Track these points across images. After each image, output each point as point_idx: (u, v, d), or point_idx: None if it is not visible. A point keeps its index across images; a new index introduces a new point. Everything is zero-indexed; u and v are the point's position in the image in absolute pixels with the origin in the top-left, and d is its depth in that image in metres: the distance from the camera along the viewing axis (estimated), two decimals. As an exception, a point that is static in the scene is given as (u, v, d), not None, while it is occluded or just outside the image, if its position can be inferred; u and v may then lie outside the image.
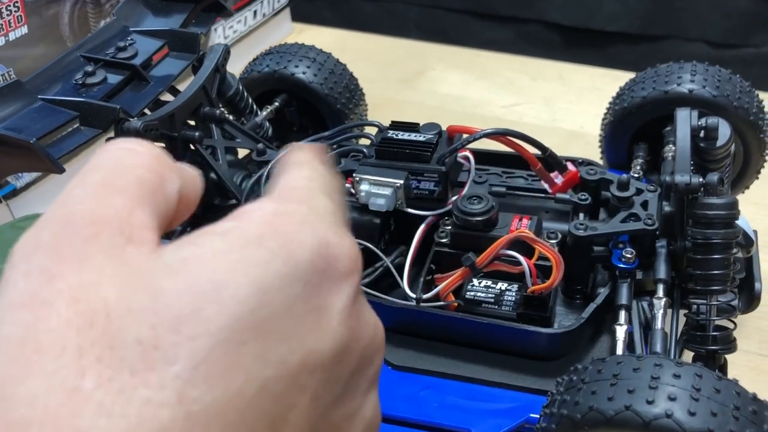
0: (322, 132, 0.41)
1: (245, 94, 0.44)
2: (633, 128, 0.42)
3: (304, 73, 0.46)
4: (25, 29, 0.53)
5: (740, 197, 0.44)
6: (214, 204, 0.40)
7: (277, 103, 0.46)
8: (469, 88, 0.75)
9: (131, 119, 0.35)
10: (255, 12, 0.78)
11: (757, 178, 0.43)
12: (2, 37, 0.52)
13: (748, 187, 0.43)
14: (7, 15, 0.51)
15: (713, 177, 0.30)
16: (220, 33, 0.73)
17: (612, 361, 0.26)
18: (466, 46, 0.87)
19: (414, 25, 1.08)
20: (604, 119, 0.43)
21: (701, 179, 0.30)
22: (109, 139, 0.36)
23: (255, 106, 0.45)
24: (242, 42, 0.75)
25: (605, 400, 0.25)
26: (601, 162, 0.44)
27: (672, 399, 0.24)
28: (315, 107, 0.47)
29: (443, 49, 0.84)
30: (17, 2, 0.52)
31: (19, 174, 0.55)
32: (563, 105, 0.68)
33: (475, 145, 0.36)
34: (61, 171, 0.34)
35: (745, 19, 0.91)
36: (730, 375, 0.33)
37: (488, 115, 0.70)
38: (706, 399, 0.24)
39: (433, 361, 0.33)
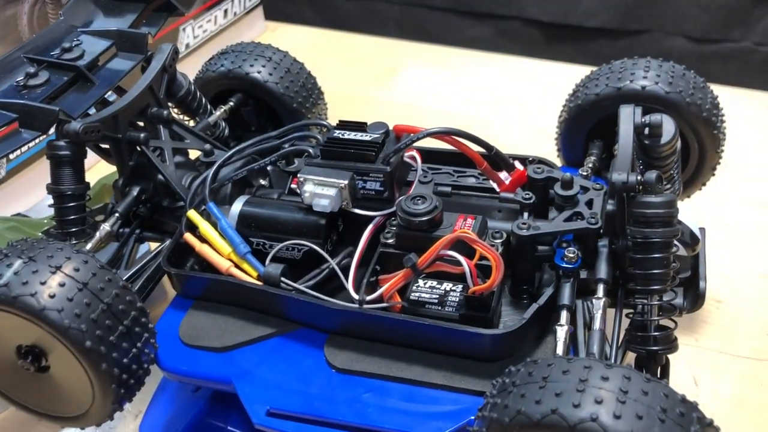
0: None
1: (198, 93, 0.43)
2: (588, 125, 0.41)
3: (259, 72, 0.45)
4: (-19, 30, 0.52)
5: (698, 194, 0.44)
6: (163, 206, 0.39)
7: (231, 103, 0.45)
8: (442, 86, 0.75)
9: (72, 121, 0.35)
10: (225, 11, 0.77)
11: (713, 174, 0.42)
12: (-42, 39, 0.51)
13: (704, 184, 0.43)
14: (-37, 16, 0.51)
15: (651, 175, 0.29)
16: (189, 33, 0.72)
17: (543, 363, 0.26)
18: (447, 44, 0.87)
19: (395, 23, 1.08)
20: (560, 117, 0.43)
21: (640, 177, 0.29)
22: (50, 141, 0.36)
23: (209, 106, 0.44)
24: (213, 41, 0.75)
25: (533, 403, 0.24)
26: (558, 160, 0.44)
27: (598, 402, 0.23)
28: (271, 106, 0.46)
29: (419, 47, 0.84)
30: (-27, 2, 0.51)
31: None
32: (536, 103, 0.67)
33: (431, 144, 0.36)
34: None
35: (724, 13, 0.91)
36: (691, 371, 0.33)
37: (459, 112, 0.69)
38: (633, 401, 0.23)
39: (375, 364, 0.32)
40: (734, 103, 0.65)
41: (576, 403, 0.24)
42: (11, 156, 0.57)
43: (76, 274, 0.31)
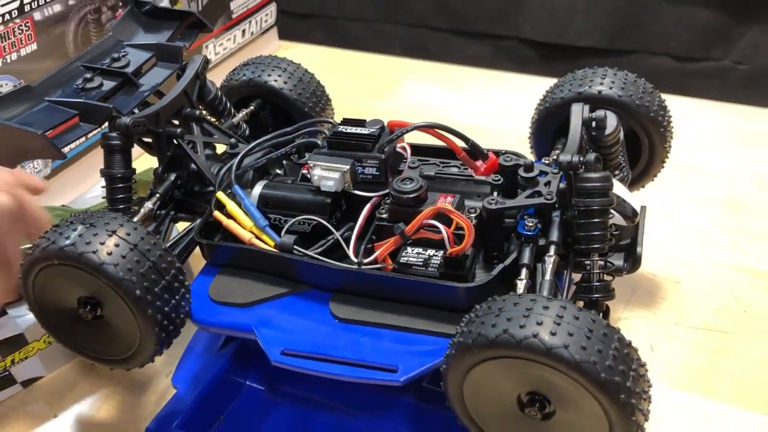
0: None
1: (224, 98, 0.51)
2: (554, 125, 0.48)
3: (275, 80, 0.53)
4: (34, 46, 0.60)
5: (650, 184, 0.51)
6: (194, 190, 0.46)
7: (252, 107, 0.53)
8: (440, 99, 0.82)
9: (122, 117, 0.42)
10: (244, 31, 0.85)
11: (663, 167, 0.49)
12: (15, 53, 0.59)
13: (656, 176, 0.50)
14: (19, 33, 0.59)
15: (591, 156, 0.36)
16: (211, 49, 0.80)
17: (500, 300, 0.33)
18: (448, 62, 0.94)
19: (399, 43, 1.15)
20: (532, 118, 0.50)
21: (582, 158, 0.36)
22: (104, 133, 0.43)
23: (233, 109, 0.52)
24: (232, 57, 0.83)
25: (490, 327, 0.31)
26: (531, 156, 0.51)
27: (539, 324, 0.30)
28: (286, 111, 0.54)
29: (421, 64, 0.92)
30: (28, 23, 0.59)
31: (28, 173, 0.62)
32: (526, 112, 0.74)
33: (420, 140, 0.43)
34: (63, 157, 0.41)
35: (706, 33, 0.97)
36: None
37: (454, 121, 0.76)
38: (566, 324, 0.30)
39: (371, 315, 0.39)
40: (711, 113, 0.73)
41: (522, 325, 0.30)
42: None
43: (128, 237, 0.38)
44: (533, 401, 0.32)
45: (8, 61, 0.58)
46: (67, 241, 0.37)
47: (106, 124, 0.43)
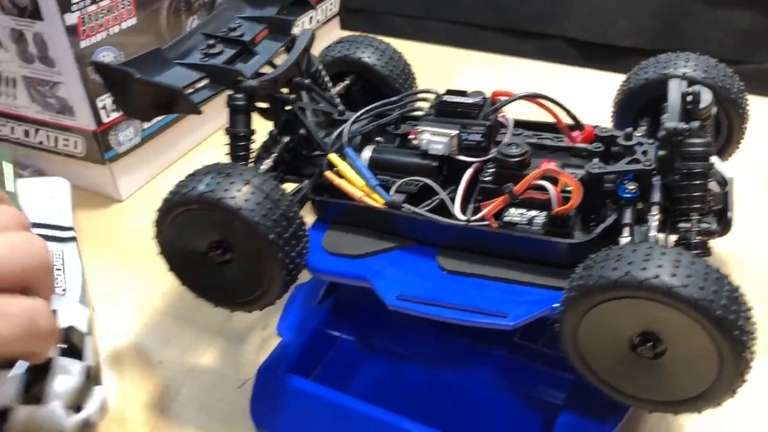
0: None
1: (323, 72, 0.54)
2: (637, 105, 0.51)
3: (369, 57, 0.56)
4: (134, 20, 0.64)
5: (726, 163, 0.54)
6: (302, 154, 0.50)
7: (347, 81, 0.56)
8: (497, 87, 0.85)
9: (248, 80, 0.46)
10: (311, 18, 0.89)
11: (738, 147, 0.52)
12: (117, 26, 0.63)
13: (731, 155, 0.53)
14: (121, 8, 0.62)
15: (694, 123, 0.39)
16: (282, 34, 0.84)
17: (616, 248, 0.36)
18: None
19: (444, 40, 1.19)
20: (615, 98, 0.53)
21: (686, 125, 0.39)
22: (230, 95, 0.46)
23: (330, 83, 0.55)
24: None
25: (611, 270, 0.34)
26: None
27: (659, 267, 0.33)
28: (377, 87, 0.57)
29: (473, 55, 0.95)
30: (130, -2, 0.63)
31: (121, 141, 0.66)
32: (571, 100, 0.78)
33: (514, 115, 0.46)
34: (199, 112, 0.45)
35: (748, 37, 1.00)
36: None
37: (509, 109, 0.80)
38: (684, 267, 0.33)
39: (477, 268, 0.42)
40: (757, 107, 0.76)
41: (643, 268, 0.33)
42: (145, 126, 0.68)
43: (261, 186, 0.41)
44: (646, 340, 0.35)
45: (110, 33, 0.62)
46: (207, 188, 0.41)
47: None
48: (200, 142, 0.76)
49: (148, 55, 0.46)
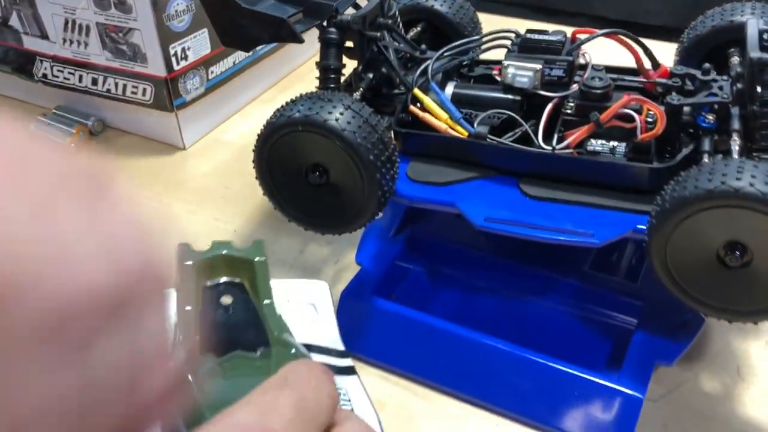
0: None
1: (398, 17, 0.56)
2: (702, 51, 0.53)
3: (441, 5, 0.58)
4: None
5: None
6: (382, 92, 0.52)
7: (419, 28, 0.58)
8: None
9: (342, 15, 0.48)
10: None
11: None
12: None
13: None
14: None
15: None
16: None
17: (708, 163, 0.38)
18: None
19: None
20: (678, 47, 0.55)
21: (766, 55, 0.42)
22: (323, 28, 0.49)
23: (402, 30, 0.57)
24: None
25: (706, 181, 0.37)
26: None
27: (753, 177, 0.36)
28: (447, 35, 0.59)
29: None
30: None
31: (189, 90, 0.68)
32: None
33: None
34: (302, 41, 0.47)
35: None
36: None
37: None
38: None
39: (561, 194, 0.45)
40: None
41: (738, 177, 0.36)
42: (210, 76, 0.70)
43: (361, 111, 0.43)
44: (734, 249, 0.38)
45: (184, -19, 0.64)
46: (312, 111, 0.43)
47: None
48: (256, 97, 0.78)
49: None
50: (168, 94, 0.67)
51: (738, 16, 0.52)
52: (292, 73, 0.81)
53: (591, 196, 0.45)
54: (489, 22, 0.92)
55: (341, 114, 0.43)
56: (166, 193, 0.66)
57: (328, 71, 0.49)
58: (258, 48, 0.74)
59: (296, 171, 0.46)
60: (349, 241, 0.56)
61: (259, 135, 0.46)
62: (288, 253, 0.58)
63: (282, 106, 0.45)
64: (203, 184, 0.67)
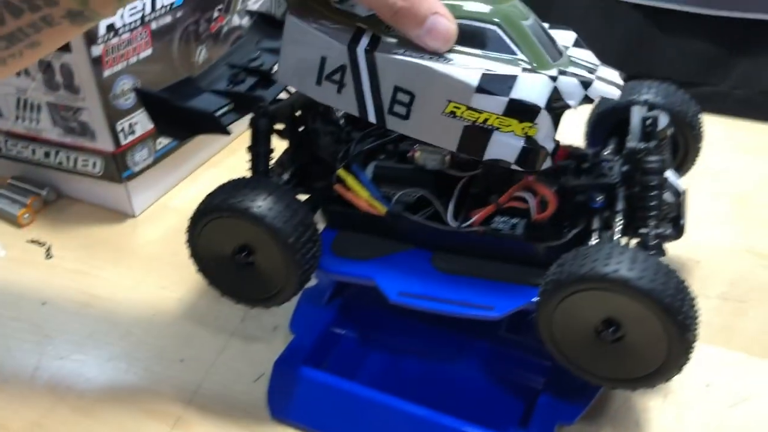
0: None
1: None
2: (606, 127, 0.58)
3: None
4: (150, 51, 0.70)
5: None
6: (312, 171, 0.56)
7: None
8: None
9: (268, 105, 0.52)
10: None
11: (693, 164, 0.59)
12: (135, 56, 0.69)
13: (688, 170, 0.60)
14: (140, 40, 0.69)
15: (651, 143, 0.47)
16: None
17: (584, 248, 0.42)
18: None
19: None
20: (587, 120, 0.60)
21: (644, 145, 0.47)
22: (252, 117, 0.53)
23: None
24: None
25: (578, 266, 0.41)
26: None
27: (619, 263, 0.40)
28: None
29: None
30: (146, 31, 0.69)
31: (137, 161, 0.72)
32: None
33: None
34: (228, 133, 0.51)
35: (704, 61, 1.08)
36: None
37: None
38: (640, 263, 0.40)
39: (468, 268, 0.49)
40: (715, 126, 0.84)
41: (605, 264, 0.40)
42: (157, 147, 0.74)
43: (283, 197, 0.47)
44: (608, 326, 0.42)
45: (130, 63, 0.68)
46: (236, 198, 0.47)
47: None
48: (205, 162, 0.82)
49: (181, 83, 0.52)
50: (116, 166, 0.70)
51: (636, 95, 0.57)
52: (240, 137, 0.85)
53: (496, 269, 0.49)
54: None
55: (263, 201, 0.47)
56: (114, 262, 0.69)
57: (258, 157, 0.53)
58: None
59: (224, 252, 0.49)
60: (289, 308, 0.60)
61: (189, 219, 0.50)
62: (229, 320, 0.61)
63: (210, 193, 0.49)
64: (151, 252, 0.70)
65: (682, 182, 0.52)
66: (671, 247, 0.58)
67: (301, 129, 0.55)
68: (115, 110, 0.68)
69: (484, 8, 0.44)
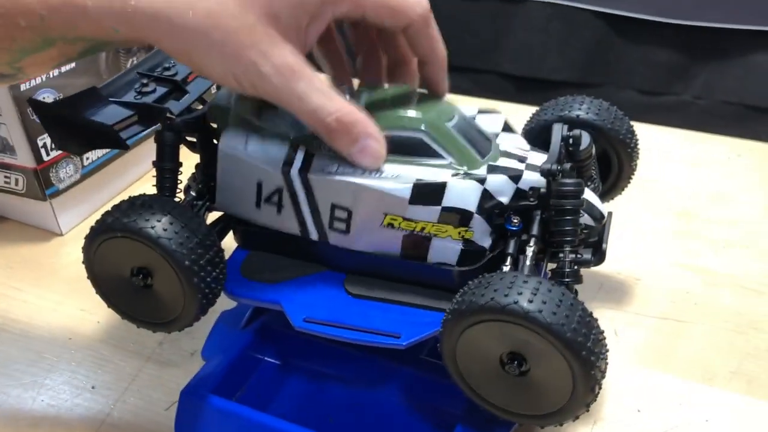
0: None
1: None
2: (539, 143, 0.54)
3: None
4: (73, 64, 0.67)
5: (619, 197, 0.58)
6: None
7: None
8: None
9: (175, 118, 0.50)
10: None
11: (629, 182, 0.57)
12: (57, 70, 0.66)
13: (623, 189, 0.57)
14: (61, 52, 0.66)
15: (566, 165, 0.44)
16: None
17: (488, 276, 0.40)
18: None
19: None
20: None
21: (559, 167, 0.44)
22: (158, 131, 0.50)
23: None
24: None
25: (480, 296, 0.38)
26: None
27: (519, 293, 0.38)
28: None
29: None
30: (69, 43, 0.66)
31: (62, 178, 0.69)
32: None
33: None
34: (127, 148, 0.48)
35: (666, 71, 1.07)
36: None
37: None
38: (542, 294, 0.38)
39: (379, 292, 0.46)
40: (670, 138, 0.82)
41: (506, 294, 0.38)
42: (85, 162, 0.71)
43: (180, 216, 0.45)
44: (512, 359, 0.39)
45: (51, 76, 0.65)
46: (129, 218, 0.44)
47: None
48: (138, 178, 0.79)
49: (84, 94, 0.49)
50: (39, 183, 0.68)
51: (567, 111, 0.54)
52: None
53: (407, 294, 0.46)
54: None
55: (158, 221, 0.44)
56: (36, 282, 0.67)
57: (163, 172, 0.50)
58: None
59: (121, 274, 0.47)
60: (208, 330, 0.57)
61: (85, 238, 0.47)
62: (146, 345, 0.59)
63: (107, 211, 0.46)
64: (75, 272, 0.67)
65: (603, 205, 0.49)
66: (612, 264, 0.56)
67: (214, 142, 0.53)
68: (34, 125, 0.65)
69: (411, 115, 0.44)
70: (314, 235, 0.47)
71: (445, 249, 0.45)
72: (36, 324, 0.62)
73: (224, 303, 0.52)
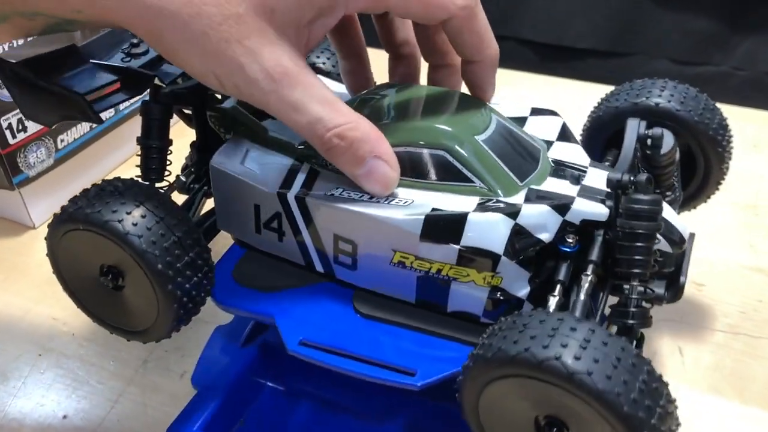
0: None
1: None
2: (606, 135, 0.46)
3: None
4: (40, 31, 0.57)
5: (703, 205, 0.48)
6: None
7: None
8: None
9: (164, 86, 0.40)
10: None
11: (718, 188, 0.47)
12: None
13: (709, 197, 0.47)
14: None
15: (642, 176, 0.34)
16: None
17: (525, 314, 0.31)
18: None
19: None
20: (584, 125, 0.47)
21: (632, 177, 0.34)
22: (144, 101, 0.41)
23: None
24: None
25: (511, 343, 0.29)
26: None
27: (563, 346, 0.28)
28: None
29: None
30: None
31: (32, 164, 0.60)
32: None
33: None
34: (100, 122, 0.40)
35: (704, 38, 0.97)
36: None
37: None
38: (593, 349, 0.28)
39: (394, 314, 0.37)
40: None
41: (545, 345, 0.28)
42: (59, 145, 0.62)
43: (156, 209, 0.36)
44: (551, 426, 0.30)
45: (15, 46, 0.56)
46: (94, 208, 0.36)
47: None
48: (124, 161, 0.70)
49: (60, 52, 0.39)
50: (5, 170, 0.59)
51: (644, 98, 0.44)
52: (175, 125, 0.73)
53: (428, 318, 0.37)
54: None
55: (128, 213, 0.35)
56: (4, 284, 0.58)
57: (149, 151, 0.41)
58: (121, 106, 0.66)
59: (89, 271, 0.38)
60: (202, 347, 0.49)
61: (47, 227, 0.39)
62: (128, 363, 0.50)
63: (73, 197, 0.38)
64: (48, 273, 0.58)
65: (686, 225, 0.38)
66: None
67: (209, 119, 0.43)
68: (-2, 103, 0.56)
69: (433, 127, 0.35)
70: (319, 267, 0.39)
71: (468, 297, 0.35)
72: (0, 338, 0.53)
73: (220, 315, 0.44)
